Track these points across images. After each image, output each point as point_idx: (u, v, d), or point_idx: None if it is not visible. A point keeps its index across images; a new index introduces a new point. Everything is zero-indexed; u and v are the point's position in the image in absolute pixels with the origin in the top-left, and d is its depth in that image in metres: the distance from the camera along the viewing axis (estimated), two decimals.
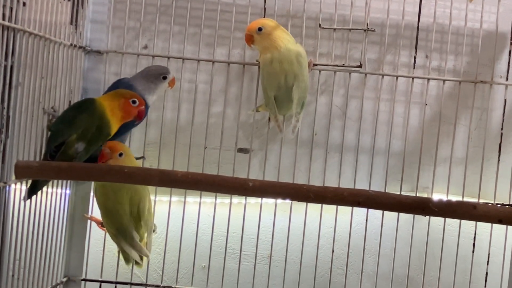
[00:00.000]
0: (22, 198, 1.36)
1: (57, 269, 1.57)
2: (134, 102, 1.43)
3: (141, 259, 1.53)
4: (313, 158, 1.66)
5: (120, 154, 1.46)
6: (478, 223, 1.59)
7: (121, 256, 1.58)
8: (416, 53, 1.65)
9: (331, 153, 1.67)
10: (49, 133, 1.40)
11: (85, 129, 1.39)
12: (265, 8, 1.63)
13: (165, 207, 1.65)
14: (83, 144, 1.39)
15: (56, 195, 1.48)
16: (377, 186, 1.65)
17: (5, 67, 1.23)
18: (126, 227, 1.48)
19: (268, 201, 1.66)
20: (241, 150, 1.67)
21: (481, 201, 1.61)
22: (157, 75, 1.54)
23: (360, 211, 1.64)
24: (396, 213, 1.61)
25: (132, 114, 1.45)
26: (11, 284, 1.32)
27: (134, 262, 1.54)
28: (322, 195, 1.21)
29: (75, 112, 1.41)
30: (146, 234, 1.51)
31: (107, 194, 1.47)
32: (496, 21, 1.63)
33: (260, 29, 1.51)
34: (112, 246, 1.61)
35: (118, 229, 1.48)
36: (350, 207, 1.60)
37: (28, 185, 1.38)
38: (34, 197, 1.40)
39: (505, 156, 1.64)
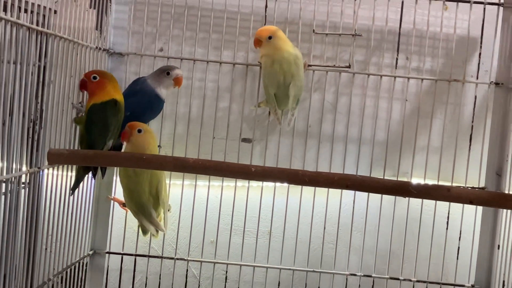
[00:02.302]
0: (58, 184, 1.36)
1: (84, 243, 1.58)
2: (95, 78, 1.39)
3: (157, 232, 1.52)
4: (307, 147, 1.66)
5: (139, 131, 1.44)
6: (451, 203, 1.59)
7: (139, 229, 1.57)
8: (398, 55, 1.64)
9: (323, 142, 1.66)
10: (82, 133, 1.38)
11: (114, 128, 1.38)
12: (266, 16, 1.63)
13: (178, 190, 1.65)
14: (112, 140, 1.39)
15: (83, 179, 1.47)
16: (363, 171, 1.64)
17: (39, 67, 1.23)
18: (146, 205, 1.47)
19: (268, 184, 1.65)
20: (244, 140, 1.67)
21: (454, 184, 1.61)
22: (162, 71, 1.53)
23: (348, 193, 1.64)
24: (380, 195, 1.61)
25: None
26: (44, 256, 1.32)
27: (150, 235, 1.53)
28: (315, 179, 1.20)
29: (104, 117, 1.36)
30: (162, 212, 1.50)
31: (129, 176, 1.47)
32: (468, 27, 1.62)
33: (270, 37, 1.51)
34: (132, 223, 1.61)
35: (138, 207, 1.48)
36: (340, 190, 1.60)
37: (72, 184, 1.39)
38: (64, 180, 1.39)
39: (475, 145, 1.63)
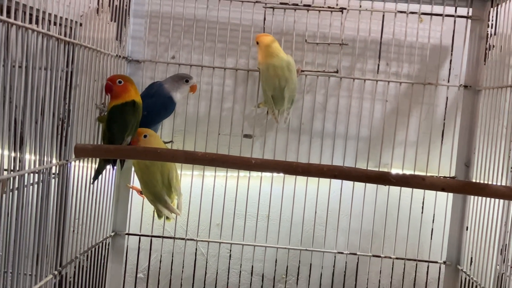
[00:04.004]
0: (83, 175, 1.36)
1: (107, 226, 1.58)
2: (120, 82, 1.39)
3: (170, 215, 1.52)
4: (300, 142, 1.66)
5: (145, 136, 1.44)
6: (426, 191, 1.59)
7: (154, 213, 1.57)
8: (379, 61, 1.63)
9: (314, 138, 1.66)
10: (104, 130, 1.38)
11: (132, 125, 1.38)
12: (264, 28, 1.62)
13: (188, 179, 1.65)
14: (131, 136, 1.39)
15: (105, 170, 1.48)
16: (349, 163, 1.64)
17: (67, 72, 1.23)
18: (160, 193, 1.47)
19: (266, 175, 1.66)
20: (246, 136, 1.67)
21: (428, 174, 1.61)
22: (181, 78, 1.53)
23: (336, 182, 1.64)
24: (364, 184, 1.60)
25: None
26: (72, 237, 1.32)
27: (165, 218, 1.53)
28: (308, 170, 1.20)
29: (124, 116, 1.37)
30: (176, 197, 1.50)
31: (142, 169, 1.47)
32: (440, 37, 1.62)
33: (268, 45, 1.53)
34: (148, 208, 1.61)
35: (154, 195, 1.48)
36: (329, 179, 1.59)
37: (93, 173, 1.39)
38: (89, 171, 1.40)
39: (446, 140, 1.63)
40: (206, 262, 1.69)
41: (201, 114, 1.66)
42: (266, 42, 1.53)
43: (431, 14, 1.60)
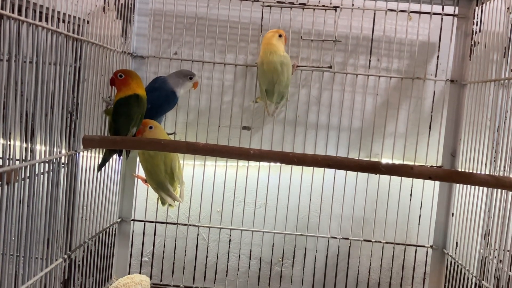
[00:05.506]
0: (91, 164, 1.36)
1: (113, 212, 1.58)
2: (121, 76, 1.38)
3: (173, 202, 1.52)
4: (296, 133, 1.66)
5: (150, 127, 1.44)
6: (414, 179, 1.59)
7: (158, 200, 1.57)
8: (370, 57, 1.63)
9: (309, 130, 1.66)
10: (111, 122, 1.38)
11: (137, 117, 1.37)
12: (262, 25, 1.62)
13: (190, 169, 1.65)
14: (136, 127, 1.39)
15: (112, 160, 1.48)
16: (342, 153, 1.64)
17: (75, 67, 1.22)
18: (163, 182, 1.47)
19: (264, 164, 1.66)
20: (244, 128, 1.67)
21: (416, 163, 1.61)
22: (185, 75, 1.53)
23: (329, 171, 1.64)
24: (356, 173, 1.61)
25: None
26: (81, 223, 1.32)
27: (168, 205, 1.53)
28: (303, 159, 1.20)
29: (129, 109, 1.35)
30: (178, 186, 1.50)
31: (147, 159, 1.46)
32: (428, 34, 1.62)
33: (280, 35, 1.54)
34: (153, 196, 1.61)
35: (157, 184, 1.47)
36: (323, 168, 1.60)
37: (100, 161, 1.38)
38: (97, 161, 1.39)
39: (433, 131, 1.63)
40: (207, 247, 1.70)
41: (202, 107, 1.66)
42: (267, 39, 1.53)
43: (420, 12, 1.60)
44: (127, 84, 1.35)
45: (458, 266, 1.50)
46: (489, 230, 1.31)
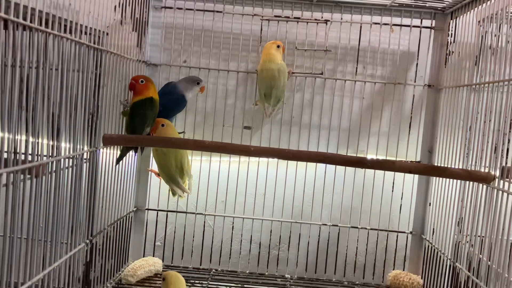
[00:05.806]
0: (110, 160, 1.36)
1: (129, 202, 1.57)
2: (142, 81, 1.38)
3: (183, 193, 1.52)
4: (291, 132, 1.66)
5: (162, 125, 1.44)
6: (396, 173, 1.59)
7: (169, 192, 1.58)
8: (357, 65, 1.63)
9: (303, 129, 1.66)
10: (127, 122, 1.38)
11: (150, 118, 1.37)
12: (261, 37, 1.62)
13: (197, 164, 1.65)
14: (149, 127, 1.39)
15: (128, 156, 1.48)
16: (332, 150, 1.64)
17: (95, 74, 1.22)
18: (174, 175, 1.47)
19: (263, 160, 1.65)
20: (246, 127, 1.67)
21: (398, 159, 1.61)
22: (194, 81, 1.53)
23: (321, 166, 1.64)
24: (344, 167, 1.61)
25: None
26: (101, 212, 1.32)
27: (178, 196, 1.53)
28: (298, 155, 1.21)
29: (144, 110, 1.36)
30: (187, 179, 1.50)
31: (159, 155, 1.47)
32: (408, 45, 1.62)
33: (278, 46, 1.54)
34: (164, 188, 1.61)
35: (169, 177, 1.48)
36: (315, 163, 1.60)
37: (118, 156, 1.38)
38: (115, 157, 1.40)
39: (413, 131, 1.63)
40: (213, 233, 1.70)
41: (208, 109, 1.66)
42: (266, 49, 1.54)
43: (401, 25, 1.60)
44: (146, 88, 1.36)
45: (434, 250, 1.50)
46: (462, 218, 1.32)
